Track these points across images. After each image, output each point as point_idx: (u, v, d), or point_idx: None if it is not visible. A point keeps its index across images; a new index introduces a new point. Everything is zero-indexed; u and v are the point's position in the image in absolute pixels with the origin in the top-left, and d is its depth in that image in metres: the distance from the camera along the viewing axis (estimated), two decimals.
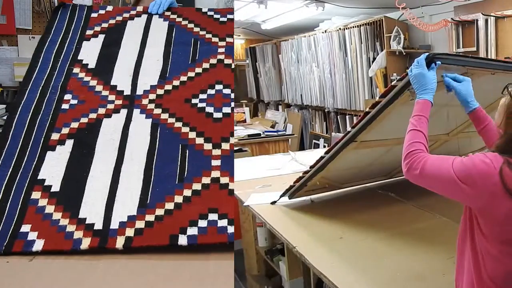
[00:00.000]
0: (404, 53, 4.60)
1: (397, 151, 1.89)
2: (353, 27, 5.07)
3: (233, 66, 1.59)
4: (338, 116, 5.72)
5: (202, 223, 1.16)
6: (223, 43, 1.67)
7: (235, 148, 2.61)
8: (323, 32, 5.64)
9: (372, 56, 4.89)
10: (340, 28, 5.30)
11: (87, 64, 1.59)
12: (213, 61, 1.59)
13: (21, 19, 3.64)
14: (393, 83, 1.44)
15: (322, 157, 1.80)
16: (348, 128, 5.76)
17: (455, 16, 4.04)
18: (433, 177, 1.11)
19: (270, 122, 5.96)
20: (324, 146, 5.83)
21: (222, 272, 1.07)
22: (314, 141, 6.27)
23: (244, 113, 5.49)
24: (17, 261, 1.10)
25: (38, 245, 1.12)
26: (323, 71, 5.73)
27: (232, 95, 1.48)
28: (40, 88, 1.52)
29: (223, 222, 1.17)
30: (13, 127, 1.40)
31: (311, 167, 1.87)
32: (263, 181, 2.53)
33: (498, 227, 1.05)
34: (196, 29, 1.72)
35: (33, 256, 1.11)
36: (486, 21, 3.75)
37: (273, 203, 2.14)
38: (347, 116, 5.55)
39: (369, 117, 1.55)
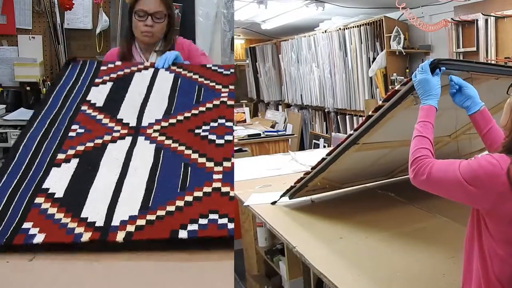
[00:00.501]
0: (404, 53, 4.60)
1: (399, 152, 1.90)
2: (353, 27, 5.08)
3: (233, 105, 1.71)
4: (338, 116, 5.72)
5: (203, 221, 1.19)
6: (226, 90, 1.78)
7: (235, 148, 2.61)
8: (323, 32, 5.64)
9: (372, 56, 4.89)
10: (340, 28, 5.30)
11: (95, 103, 1.69)
12: (216, 102, 1.70)
13: (21, 19, 3.65)
14: (396, 88, 1.44)
15: (323, 159, 1.80)
16: (348, 128, 5.72)
17: (455, 16, 4.04)
18: (440, 181, 1.11)
19: (270, 122, 5.96)
20: (324, 146, 5.83)
21: (222, 272, 1.07)
22: (314, 141, 6.27)
23: (244, 113, 5.48)
24: (17, 261, 1.10)
25: (39, 238, 1.14)
26: (323, 71, 5.73)
27: (234, 127, 1.53)
28: (49, 120, 1.60)
29: (223, 220, 1.19)
30: (19, 150, 1.47)
31: (313, 168, 1.87)
32: (263, 181, 2.53)
33: (506, 228, 1.05)
34: (201, 79, 1.84)
35: (33, 256, 1.12)
36: (486, 21, 3.75)
37: (274, 203, 2.14)
38: (347, 116, 5.55)
39: (372, 120, 1.55)
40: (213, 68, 1.94)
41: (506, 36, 3.67)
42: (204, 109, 1.66)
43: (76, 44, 3.65)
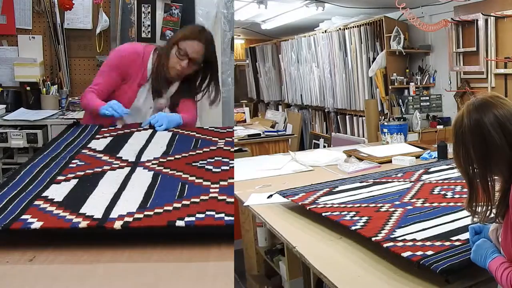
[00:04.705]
0: (404, 53, 4.60)
1: None
2: (353, 27, 5.08)
3: (232, 150, 1.79)
4: (338, 116, 5.72)
5: (200, 215, 1.22)
6: (223, 140, 1.90)
7: (235, 148, 2.61)
8: (323, 32, 5.65)
9: (372, 56, 4.89)
10: (340, 28, 5.30)
11: (96, 148, 1.80)
12: (213, 148, 1.81)
13: (21, 19, 3.65)
14: None
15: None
16: (348, 128, 5.67)
17: (455, 16, 4.04)
18: None
19: (270, 122, 5.95)
20: (324, 146, 5.84)
21: (222, 272, 1.07)
22: (314, 141, 6.27)
23: (244, 113, 5.48)
24: (17, 261, 1.10)
25: (37, 225, 1.15)
26: (323, 71, 5.73)
27: (232, 164, 1.63)
28: (50, 158, 1.67)
29: (220, 215, 1.22)
30: (21, 173, 1.51)
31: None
32: (263, 181, 2.53)
33: None
34: (198, 135, 1.99)
35: (33, 256, 1.12)
36: (486, 21, 3.75)
37: (270, 196, 2.13)
38: (347, 116, 5.55)
39: None
40: (210, 128, 2.12)
41: (506, 36, 3.66)
42: (201, 151, 1.76)
43: (76, 44, 3.65)
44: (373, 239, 1.52)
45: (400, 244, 1.45)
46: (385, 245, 1.45)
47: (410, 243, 1.45)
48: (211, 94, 2.30)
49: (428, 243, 1.44)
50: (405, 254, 1.37)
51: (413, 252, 1.38)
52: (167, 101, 2.29)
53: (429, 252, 1.36)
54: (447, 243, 1.42)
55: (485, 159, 1.16)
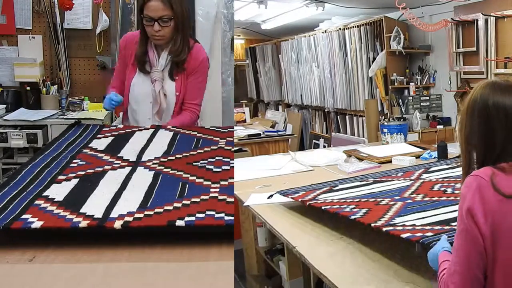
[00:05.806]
0: (404, 53, 4.60)
1: None
2: (353, 27, 5.08)
3: (232, 150, 1.81)
4: (338, 116, 5.72)
5: (200, 215, 1.23)
6: (224, 140, 1.91)
7: (235, 148, 2.61)
8: (323, 32, 5.65)
9: (372, 56, 4.89)
10: (340, 28, 5.30)
11: (97, 148, 1.81)
12: (214, 147, 1.83)
13: (21, 19, 3.65)
14: None
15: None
16: (348, 128, 5.67)
17: (455, 16, 4.04)
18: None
19: (270, 122, 5.95)
20: (324, 146, 5.83)
21: (222, 272, 1.07)
22: (314, 141, 6.27)
23: (244, 113, 5.48)
24: (17, 261, 1.10)
25: (37, 224, 1.16)
26: (323, 71, 5.73)
27: (232, 163, 1.64)
28: (51, 158, 1.68)
29: (220, 215, 1.23)
30: (22, 173, 1.52)
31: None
32: (263, 181, 2.53)
33: None
34: (199, 134, 2.00)
35: (33, 256, 1.12)
36: (486, 21, 3.75)
37: (270, 197, 2.13)
38: (347, 116, 5.55)
39: None
40: (211, 128, 2.12)
41: (506, 36, 3.66)
42: (202, 151, 1.77)
43: (76, 44, 3.65)
44: (373, 225, 1.52)
45: (399, 228, 1.45)
46: (384, 229, 1.45)
47: (410, 227, 1.44)
48: (180, 54, 2.22)
49: (427, 227, 1.43)
50: (404, 235, 1.37)
51: (413, 234, 1.38)
52: (161, 74, 2.25)
53: (429, 234, 1.36)
54: (447, 227, 1.41)
55: (469, 136, 1.18)
